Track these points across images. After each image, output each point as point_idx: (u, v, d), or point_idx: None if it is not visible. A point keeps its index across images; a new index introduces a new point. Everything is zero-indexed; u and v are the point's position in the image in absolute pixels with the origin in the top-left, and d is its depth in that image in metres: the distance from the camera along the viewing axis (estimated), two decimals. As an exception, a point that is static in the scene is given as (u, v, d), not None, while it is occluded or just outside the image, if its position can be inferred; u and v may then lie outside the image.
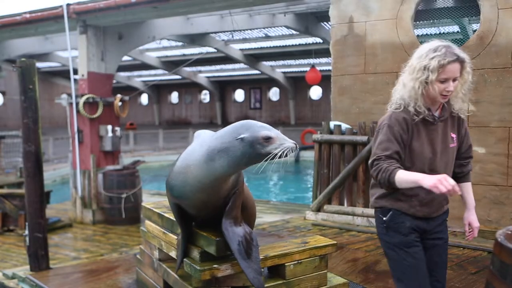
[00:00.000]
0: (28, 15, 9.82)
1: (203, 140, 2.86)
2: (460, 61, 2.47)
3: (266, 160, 2.64)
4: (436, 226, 2.70)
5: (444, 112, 2.61)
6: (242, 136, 2.66)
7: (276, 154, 2.61)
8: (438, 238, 2.72)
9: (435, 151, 2.57)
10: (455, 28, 8.07)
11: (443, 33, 8.52)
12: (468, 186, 2.84)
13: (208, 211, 2.98)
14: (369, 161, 2.57)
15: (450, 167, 2.65)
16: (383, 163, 2.47)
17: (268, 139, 2.64)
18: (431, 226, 2.69)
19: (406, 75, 2.62)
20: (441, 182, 2.23)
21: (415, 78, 2.53)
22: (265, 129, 2.68)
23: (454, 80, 2.48)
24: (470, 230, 2.83)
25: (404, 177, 2.39)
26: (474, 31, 6.45)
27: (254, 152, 2.65)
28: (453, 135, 2.63)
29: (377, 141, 2.57)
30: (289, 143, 2.65)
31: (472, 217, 2.83)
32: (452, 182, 2.24)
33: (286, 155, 2.62)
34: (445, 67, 2.44)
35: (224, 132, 2.79)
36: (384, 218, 2.65)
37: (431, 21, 6.81)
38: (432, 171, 2.51)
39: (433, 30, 8.50)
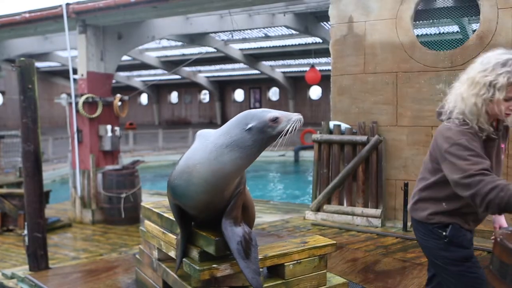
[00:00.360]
0: (27, 15, 9.81)
1: (206, 139, 2.84)
2: None
3: (279, 138, 2.69)
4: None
5: (500, 125, 2.49)
6: (250, 125, 2.68)
7: (288, 130, 2.66)
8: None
9: (492, 166, 2.42)
10: (455, 28, 8.06)
11: (443, 33, 8.50)
12: None
13: (209, 212, 2.97)
14: (458, 180, 2.29)
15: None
16: (486, 177, 2.19)
17: (275, 120, 2.68)
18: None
19: (465, 88, 2.42)
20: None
21: (478, 94, 2.34)
22: (268, 112, 2.73)
23: None
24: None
25: None
26: (474, 31, 6.44)
27: (266, 137, 2.70)
28: (503, 145, 2.53)
29: (461, 157, 2.31)
30: (295, 116, 2.70)
31: (502, 220, 2.76)
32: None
33: (296, 128, 2.68)
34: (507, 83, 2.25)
35: (228, 127, 2.77)
36: (445, 233, 2.53)
37: (431, 21, 6.80)
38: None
39: (432, 30, 8.49)
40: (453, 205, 2.53)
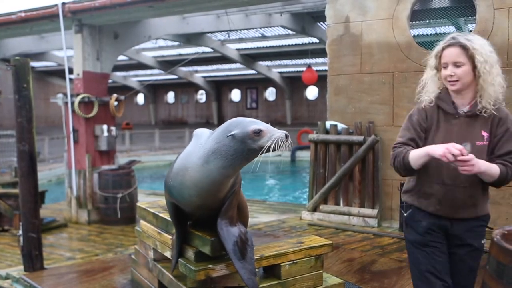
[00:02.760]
0: (23, 14, 9.76)
1: (200, 141, 2.83)
2: (461, 45, 2.42)
3: (260, 154, 2.63)
4: (465, 231, 2.57)
5: (474, 108, 2.49)
6: (232, 133, 2.64)
7: (269, 147, 2.58)
8: (467, 245, 2.58)
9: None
10: (451, 28, 8.07)
11: (439, 33, 8.51)
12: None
13: (205, 211, 2.96)
14: None
15: None
16: (398, 148, 2.56)
17: (258, 133, 2.61)
18: (458, 230, 2.58)
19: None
20: (449, 150, 2.24)
21: (429, 66, 2.60)
22: (254, 124, 2.65)
23: (457, 66, 2.43)
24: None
25: (415, 153, 2.43)
26: (470, 31, 6.45)
27: (246, 148, 2.63)
28: (484, 133, 2.48)
29: (400, 131, 2.66)
30: (279, 133, 2.61)
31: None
32: (459, 147, 2.24)
33: (279, 147, 2.59)
34: (443, 51, 2.47)
35: (217, 132, 2.77)
36: (405, 214, 2.70)
37: (427, 21, 6.81)
38: (448, 164, 2.40)
39: (429, 30, 8.50)
40: (411, 183, 2.69)
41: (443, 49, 2.48)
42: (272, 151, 2.59)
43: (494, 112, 2.46)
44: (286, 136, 2.61)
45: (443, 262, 2.59)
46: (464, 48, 2.42)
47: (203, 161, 2.72)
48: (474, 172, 2.33)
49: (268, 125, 2.68)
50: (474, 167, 2.30)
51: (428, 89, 2.60)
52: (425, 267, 2.59)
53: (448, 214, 2.56)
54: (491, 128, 2.48)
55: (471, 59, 2.42)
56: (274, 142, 2.58)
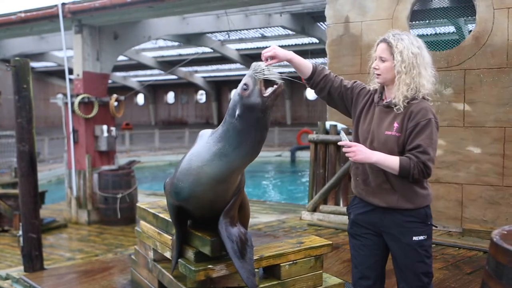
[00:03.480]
0: (23, 15, 9.77)
1: (207, 140, 2.84)
2: (386, 42, 2.57)
3: (270, 96, 2.67)
4: (393, 225, 2.59)
5: (393, 100, 2.58)
6: (237, 113, 2.65)
7: (264, 74, 2.68)
8: (397, 239, 2.60)
9: (371, 131, 2.61)
10: (451, 28, 8.08)
11: (439, 33, 8.52)
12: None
13: (213, 210, 2.96)
14: None
15: (384, 152, 2.52)
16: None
17: (246, 88, 2.67)
18: (387, 223, 2.61)
19: None
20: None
21: (372, 56, 2.71)
22: (238, 88, 2.72)
23: (382, 60, 2.57)
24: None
25: None
26: (470, 31, 6.45)
27: (257, 104, 2.64)
28: (396, 125, 2.53)
29: None
30: (254, 65, 2.75)
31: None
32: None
33: (269, 73, 2.69)
34: (377, 45, 2.63)
35: (223, 128, 2.76)
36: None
37: (427, 21, 6.81)
38: (351, 159, 2.53)
39: (429, 30, 8.50)
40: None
41: (377, 43, 2.64)
42: (268, 75, 2.69)
43: (408, 106, 2.52)
44: (264, 62, 2.73)
45: (364, 256, 2.70)
46: (390, 45, 2.54)
47: (220, 155, 2.73)
48: (360, 160, 2.45)
49: (247, 77, 2.72)
50: (357, 155, 2.43)
51: (372, 77, 2.73)
52: (352, 257, 2.79)
53: (370, 198, 2.63)
54: (403, 120, 2.53)
55: (393, 55, 2.55)
56: (260, 75, 2.68)
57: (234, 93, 2.76)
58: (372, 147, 2.55)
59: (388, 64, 2.55)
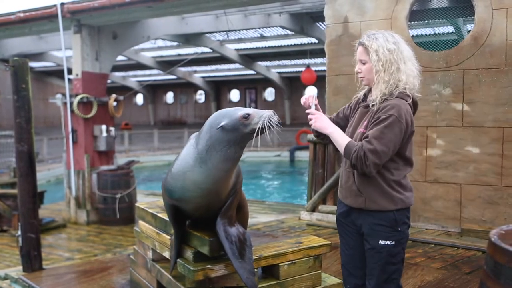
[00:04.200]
0: (22, 14, 9.75)
1: (192, 144, 2.85)
2: (362, 44, 2.61)
3: (255, 137, 2.67)
4: (364, 226, 2.60)
5: (371, 101, 2.61)
6: (222, 124, 2.68)
7: (260, 127, 2.64)
8: (365, 241, 2.62)
9: (350, 132, 2.66)
10: (450, 29, 8.08)
11: (438, 33, 8.52)
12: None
13: (205, 212, 2.96)
14: None
15: None
16: None
17: (247, 117, 2.68)
18: (359, 223, 2.63)
19: None
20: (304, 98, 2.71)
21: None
22: (240, 110, 2.73)
23: (363, 63, 2.62)
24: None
25: None
26: (469, 31, 6.45)
27: (240, 134, 2.68)
28: (365, 121, 2.58)
29: None
30: (267, 112, 2.70)
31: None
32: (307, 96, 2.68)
33: (270, 126, 2.64)
34: (357, 49, 2.67)
35: (204, 130, 2.79)
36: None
37: (426, 21, 6.81)
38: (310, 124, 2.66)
39: (427, 31, 8.50)
40: None
41: (356, 47, 2.67)
42: (265, 131, 2.64)
43: (377, 104, 2.55)
44: (274, 114, 2.70)
45: (349, 256, 2.74)
46: (365, 47, 2.58)
47: (199, 161, 2.73)
48: (318, 127, 2.60)
49: (253, 109, 2.75)
50: (316, 121, 2.59)
51: (359, 83, 2.78)
52: (341, 256, 2.83)
53: (343, 199, 2.70)
54: (371, 117, 2.56)
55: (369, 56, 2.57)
56: (264, 121, 2.64)
57: (221, 112, 2.83)
58: None
59: (368, 66, 2.58)
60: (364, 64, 2.61)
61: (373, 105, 2.55)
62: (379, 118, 2.47)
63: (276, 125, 2.65)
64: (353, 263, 2.72)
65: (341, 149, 2.52)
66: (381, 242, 2.54)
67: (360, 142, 2.46)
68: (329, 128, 2.57)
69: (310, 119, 2.62)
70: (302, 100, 2.75)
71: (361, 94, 2.78)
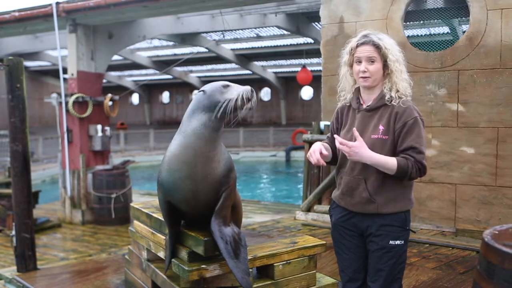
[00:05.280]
0: (17, 14, 9.72)
1: (181, 130, 2.96)
2: (374, 44, 2.51)
3: (227, 108, 2.76)
4: (371, 228, 2.59)
5: (376, 102, 2.58)
6: (203, 88, 2.89)
7: (237, 100, 2.75)
8: (372, 242, 2.61)
9: (354, 137, 2.50)
10: (445, 29, 8.11)
11: (433, 34, 8.55)
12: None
13: (199, 204, 2.95)
14: None
15: None
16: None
17: (226, 86, 2.85)
18: (364, 225, 2.62)
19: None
20: (310, 154, 2.52)
21: (343, 62, 2.68)
22: (224, 82, 2.90)
23: (370, 61, 2.52)
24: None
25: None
26: (464, 32, 6.48)
27: (214, 101, 2.81)
28: (381, 127, 2.52)
29: None
30: (246, 87, 2.83)
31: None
32: (313, 148, 2.50)
33: (245, 100, 2.77)
34: (358, 48, 2.54)
35: (193, 100, 2.98)
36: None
37: (421, 22, 6.83)
38: (348, 158, 2.51)
39: (423, 31, 8.53)
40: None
41: (357, 46, 2.55)
42: (240, 104, 2.75)
43: (395, 105, 2.52)
44: (252, 91, 2.80)
45: (350, 259, 2.71)
46: (377, 47, 2.51)
47: (181, 130, 2.89)
48: (356, 159, 2.44)
49: (237, 84, 2.89)
50: (357, 154, 2.41)
51: (344, 86, 2.74)
52: (338, 261, 2.80)
53: (349, 206, 2.64)
54: (389, 122, 2.52)
55: (383, 57, 2.52)
56: (240, 94, 2.77)
57: (209, 84, 2.94)
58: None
59: (378, 65, 2.53)
60: (372, 63, 2.52)
61: (392, 101, 2.52)
62: (407, 124, 2.47)
63: (250, 101, 2.77)
64: (354, 267, 2.70)
65: (392, 170, 2.44)
66: (391, 242, 2.55)
67: (409, 157, 2.44)
68: (368, 156, 2.42)
69: (347, 152, 2.45)
70: (310, 159, 2.56)
71: (348, 99, 2.72)
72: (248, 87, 2.82)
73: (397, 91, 2.53)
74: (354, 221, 2.65)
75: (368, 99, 2.62)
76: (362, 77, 2.55)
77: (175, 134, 3.00)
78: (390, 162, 2.43)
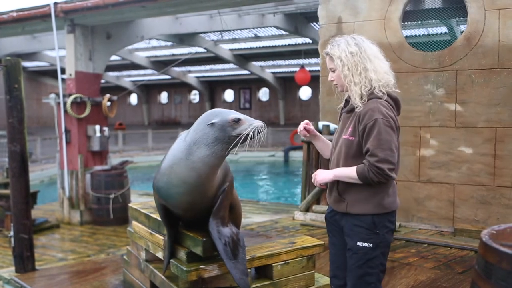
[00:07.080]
0: (15, 14, 9.71)
1: (181, 138, 2.89)
2: (326, 53, 2.67)
3: (239, 142, 2.74)
4: (345, 226, 2.64)
5: (351, 104, 2.64)
6: (212, 121, 2.78)
7: (248, 134, 2.72)
8: (347, 240, 2.64)
9: (336, 139, 2.73)
10: (443, 29, 8.12)
11: (431, 34, 8.56)
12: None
13: (195, 212, 2.96)
14: None
15: (340, 157, 2.62)
16: None
17: (237, 121, 2.77)
18: (342, 223, 2.67)
19: None
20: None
21: None
22: (233, 113, 2.81)
23: (332, 71, 2.66)
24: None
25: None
26: (462, 32, 6.49)
27: (226, 135, 2.75)
28: (350, 128, 2.59)
29: None
30: (258, 122, 2.78)
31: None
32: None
33: (257, 135, 2.73)
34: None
35: (196, 123, 2.87)
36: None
37: (419, 22, 6.84)
38: (331, 156, 2.74)
39: (421, 31, 8.54)
40: None
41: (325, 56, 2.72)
42: (250, 139, 2.73)
43: (361, 106, 2.54)
44: (265, 126, 2.78)
45: (334, 255, 2.77)
46: (329, 55, 2.65)
47: (186, 153, 2.79)
48: (320, 181, 2.62)
49: (246, 116, 2.84)
50: (317, 177, 2.63)
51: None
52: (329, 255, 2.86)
53: (331, 204, 2.74)
54: (355, 124, 2.57)
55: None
56: (253, 130, 2.72)
57: (216, 110, 2.94)
58: (333, 154, 2.69)
59: (338, 73, 2.62)
60: (334, 71, 2.65)
61: (356, 107, 2.55)
62: (367, 126, 2.48)
63: (261, 136, 2.75)
64: (337, 263, 2.74)
65: (356, 179, 2.49)
66: (359, 243, 2.56)
67: (365, 161, 2.46)
68: (330, 174, 2.60)
69: (313, 180, 2.67)
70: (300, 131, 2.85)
71: (343, 101, 2.81)
72: (261, 123, 2.79)
73: (355, 94, 2.56)
74: (337, 218, 2.71)
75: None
76: (333, 85, 2.72)
77: (175, 134, 2.97)
78: (351, 172, 2.52)
